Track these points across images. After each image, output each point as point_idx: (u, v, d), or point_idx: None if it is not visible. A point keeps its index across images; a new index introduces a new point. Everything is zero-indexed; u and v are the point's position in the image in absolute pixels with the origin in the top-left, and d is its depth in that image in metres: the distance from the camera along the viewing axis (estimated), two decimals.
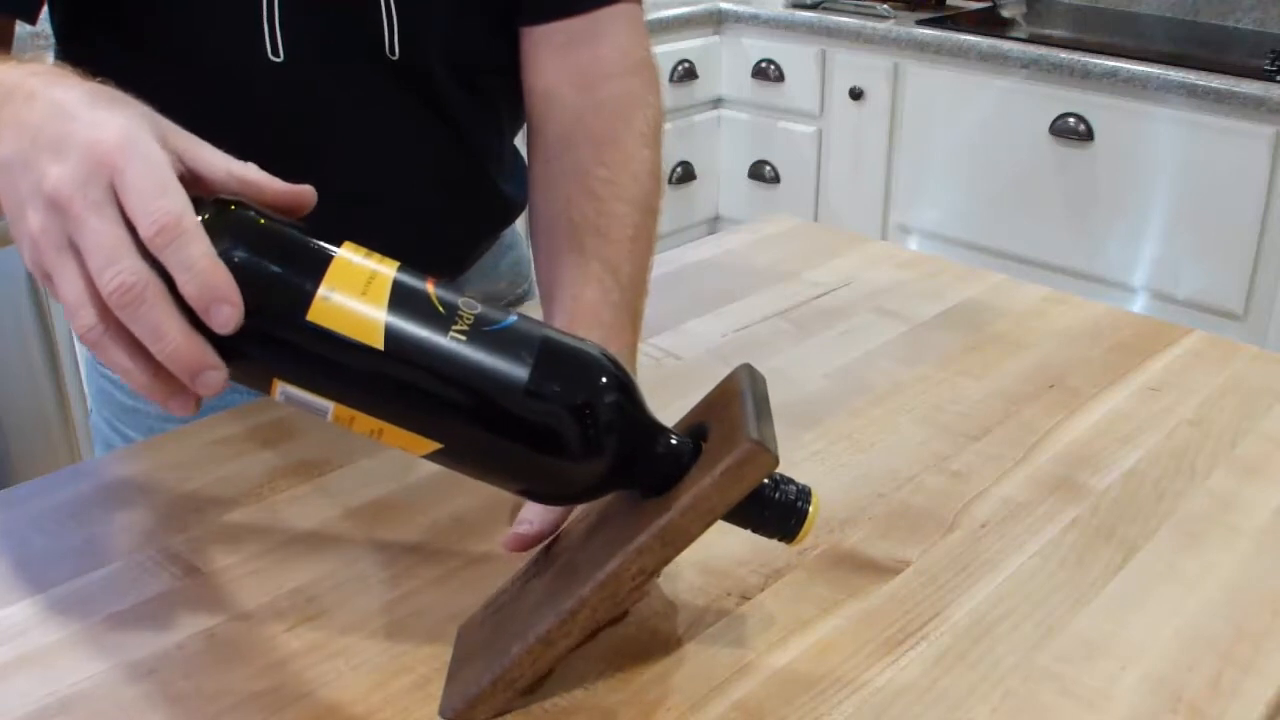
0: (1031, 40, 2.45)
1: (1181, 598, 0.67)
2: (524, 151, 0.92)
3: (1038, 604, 0.66)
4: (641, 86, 0.86)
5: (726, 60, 2.89)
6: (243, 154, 0.54)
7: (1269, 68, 2.20)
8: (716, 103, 2.94)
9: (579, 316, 0.73)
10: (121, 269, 0.48)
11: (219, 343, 0.51)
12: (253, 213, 0.53)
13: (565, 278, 0.77)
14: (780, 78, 2.80)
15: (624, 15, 0.86)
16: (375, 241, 0.58)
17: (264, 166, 0.54)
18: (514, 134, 0.99)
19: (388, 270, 0.53)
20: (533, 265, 1.09)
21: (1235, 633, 0.64)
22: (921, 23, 2.60)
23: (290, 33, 0.79)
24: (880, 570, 0.69)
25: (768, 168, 2.90)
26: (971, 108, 2.49)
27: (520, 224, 1.04)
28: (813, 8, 2.74)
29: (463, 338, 0.53)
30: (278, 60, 0.79)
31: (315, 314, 0.51)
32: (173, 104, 0.82)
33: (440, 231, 0.92)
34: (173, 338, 0.48)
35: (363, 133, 0.85)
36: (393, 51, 0.82)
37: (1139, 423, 0.86)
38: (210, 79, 0.81)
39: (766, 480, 0.59)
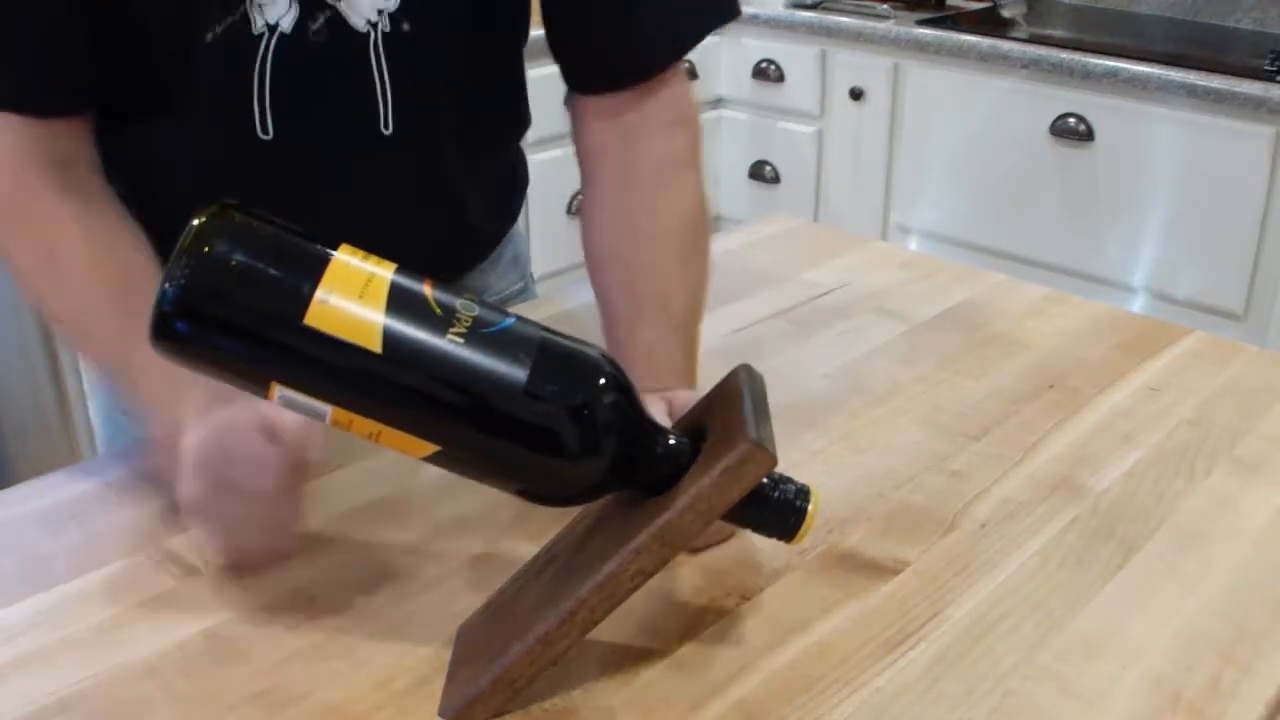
0: (1031, 40, 2.45)
1: (1181, 598, 0.67)
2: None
3: (1038, 604, 0.66)
4: (685, 143, 0.88)
5: (726, 60, 2.88)
6: None
7: (1269, 68, 2.20)
8: (717, 103, 2.93)
9: (634, 353, 0.78)
10: None
11: (213, 343, 0.51)
12: (251, 215, 0.53)
13: (618, 317, 0.82)
14: (780, 78, 2.79)
15: (671, 75, 0.88)
16: None
17: None
18: (519, 202, 1.00)
19: (385, 272, 0.53)
20: (532, 264, 1.10)
21: (1235, 633, 0.64)
22: (921, 23, 2.60)
23: (279, 111, 0.79)
24: (880, 570, 0.69)
25: (768, 168, 2.90)
26: (971, 108, 2.49)
27: (520, 221, 1.04)
28: (813, 8, 2.74)
29: (460, 340, 0.53)
30: (266, 138, 0.79)
31: (313, 317, 0.51)
32: (166, 172, 0.82)
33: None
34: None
35: (355, 204, 0.84)
36: (386, 128, 0.82)
37: (1139, 423, 0.86)
38: (201, 152, 0.82)
39: (765, 480, 0.59)
